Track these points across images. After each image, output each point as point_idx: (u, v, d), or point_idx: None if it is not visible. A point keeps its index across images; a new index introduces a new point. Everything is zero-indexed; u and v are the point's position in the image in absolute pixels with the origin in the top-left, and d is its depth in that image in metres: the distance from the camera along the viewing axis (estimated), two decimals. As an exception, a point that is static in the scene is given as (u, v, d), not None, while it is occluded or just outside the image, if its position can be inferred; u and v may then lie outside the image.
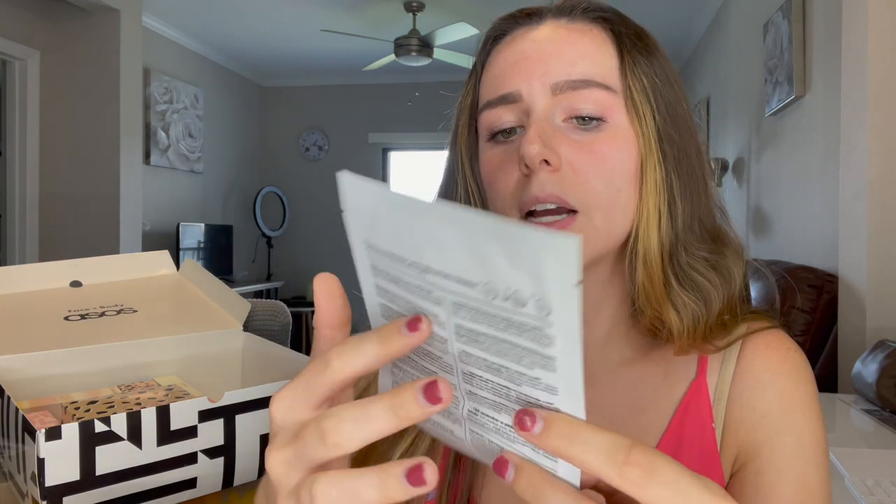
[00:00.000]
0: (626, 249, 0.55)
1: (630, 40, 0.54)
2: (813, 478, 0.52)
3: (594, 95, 0.52)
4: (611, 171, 0.51)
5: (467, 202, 0.56)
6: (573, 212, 0.51)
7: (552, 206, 0.50)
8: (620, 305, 0.57)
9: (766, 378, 0.54)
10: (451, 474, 0.57)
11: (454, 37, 4.23)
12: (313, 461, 0.29)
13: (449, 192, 0.58)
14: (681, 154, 0.55)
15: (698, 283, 0.53)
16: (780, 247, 2.96)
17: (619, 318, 0.58)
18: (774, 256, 2.95)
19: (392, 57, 4.55)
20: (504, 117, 0.54)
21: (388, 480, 0.28)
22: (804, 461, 0.52)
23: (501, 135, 0.55)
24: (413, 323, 0.29)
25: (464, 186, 0.57)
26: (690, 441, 0.54)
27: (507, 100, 0.54)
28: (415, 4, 4.41)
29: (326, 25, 4.70)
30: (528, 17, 0.57)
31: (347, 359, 0.30)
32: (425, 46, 4.40)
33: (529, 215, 0.52)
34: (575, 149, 0.51)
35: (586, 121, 0.52)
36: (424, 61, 4.54)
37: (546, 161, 0.50)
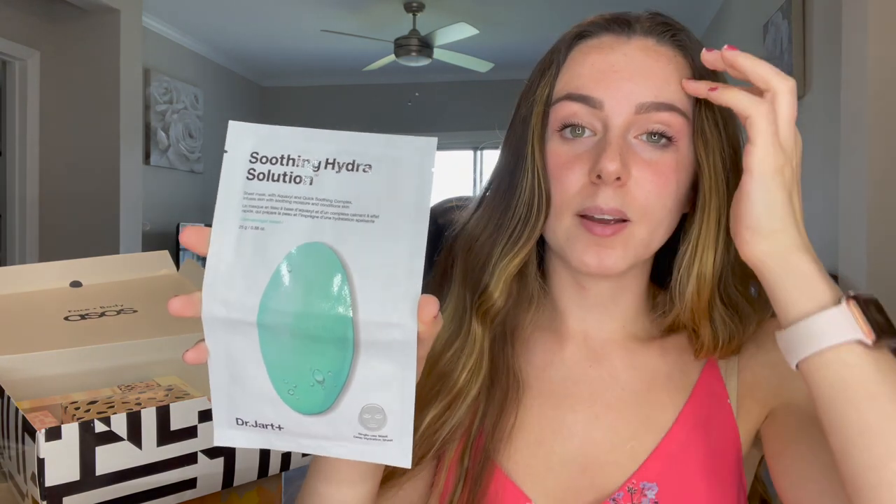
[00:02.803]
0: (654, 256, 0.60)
1: (707, 73, 0.57)
2: None
3: (673, 120, 0.55)
4: (669, 193, 0.56)
5: (534, 187, 0.58)
6: (626, 220, 0.55)
7: (610, 218, 0.55)
8: (639, 295, 0.63)
9: (769, 341, 0.57)
10: (473, 438, 0.60)
11: (454, 37, 4.24)
12: None
13: (515, 175, 0.60)
14: (737, 181, 0.58)
15: (740, 305, 0.58)
16: (780, 247, 2.95)
17: (638, 310, 0.63)
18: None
19: (392, 57, 4.55)
20: (579, 115, 0.57)
21: None
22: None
23: (570, 131, 0.57)
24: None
25: (532, 172, 0.58)
26: (708, 416, 0.59)
27: (588, 102, 0.56)
28: (415, 4, 4.41)
29: (326, 25, 4.70)
30: (618, 24, 0.59)
31: None
32: (425, 46, 4.41)
33: (588, 220, 0.55)
34: (643, 168, 0.55)
35: (658, 138, 0.55)
36: (424, 61, 4.54)
37: (618, 177, 0.54)
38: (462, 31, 4.13)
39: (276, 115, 6.47)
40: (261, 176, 0.39)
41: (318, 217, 0.38)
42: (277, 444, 0.42)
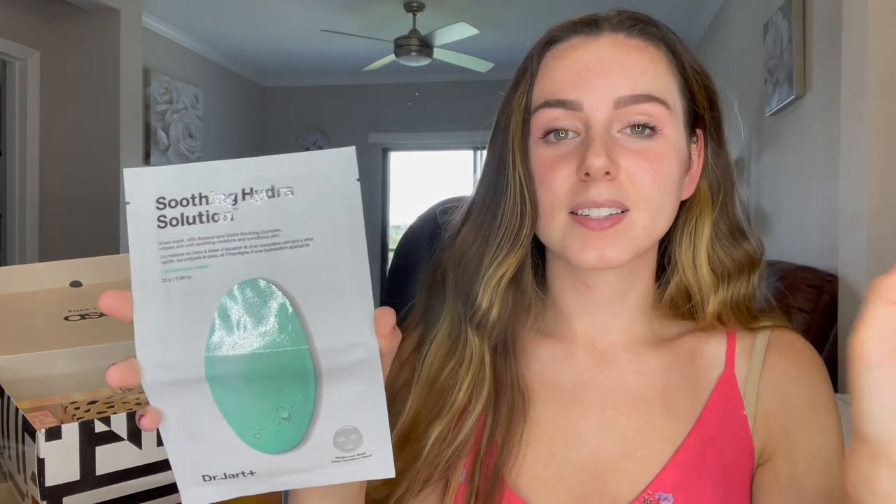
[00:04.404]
0: (661, 247, 0.62)
1: (685, 66, 0.59)
2: (835, 466, 0.56)
3: (652, 109, 0.55)
4: (664, 178, 0.56)
5: (521, 196, 0.58)
6: (626, 210, 0.55)
7: (606, 212, 0.54)
8: (645, 293, 0.62)
9: (794, 374, 0.59)
10: (483, 454, 0.59)
11: (454, 37, 4.23)
12: None
13: (498, 185, 0.60)
14: (723, 165, 0.62)
15: (735, 256, 0.61)
16: (781, 247, 2.96)
17: (645, 310, 0.62)
18: (774, 256, 2.95)
19: (392, 57, 4.54)
20: (560, 120, 0.57)
21: None
22: (829, 451, 0.57)
23: (554, 135, 0.57)
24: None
25: (515, 181, 0.59)
26: (723, 427, 0.58)
27: (566, 105, 0.56)
28: (415, 4, 4.40)
29: (326, 25, 4.70)
30: (586, 25, 0.59)
31: None
32: (425, 46, 4.40)
33: (583, 216, 0.55)
34: (631, 157, 0.55)
35: (641, 130, 0.55)
36: (424, 61, 4.53)
37: (607, 171, 0.53)
38: (462, 31, 4.12)
39: (276, 115, 6.47)
40: (174, 221, 0.35)
41: (248, 252, 0.36)
42: (253, 489, 0.40)
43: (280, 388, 0.37)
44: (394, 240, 6.37)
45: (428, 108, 6.14)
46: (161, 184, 0.36)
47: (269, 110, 6.49)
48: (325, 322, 0.36)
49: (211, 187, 0.36)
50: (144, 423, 0.38)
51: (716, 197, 0.61)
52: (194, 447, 0.38)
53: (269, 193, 0.36)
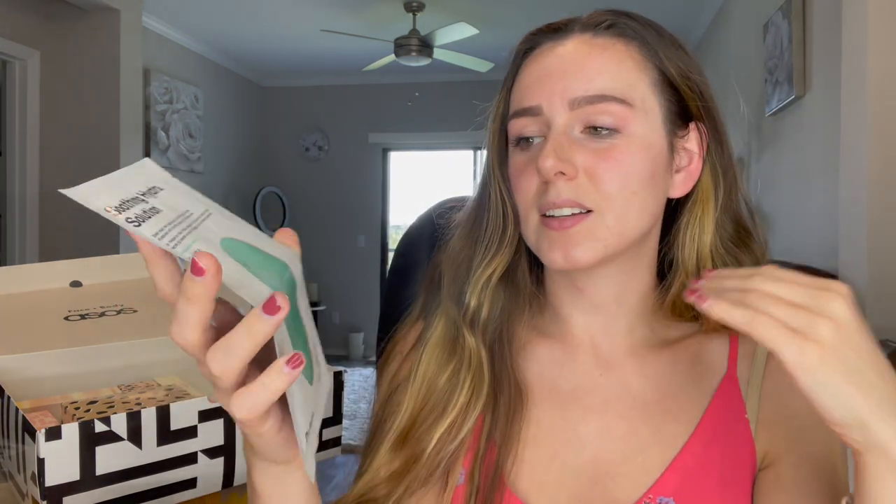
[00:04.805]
0: (648, 245, 0.60)
1: (669, 53, 0.58)
2: (840, 469, 0.56)
3: (610, 109, 0.55)
4: (626, 175, 0.55)
5: (500, 200, 0.61)
6: (589, 211, 0.55)
7: (568, 212, 0.55)
8: (644, 296, 0.62)
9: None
10: (483, 452, 0.59)
11: (454, 37, 4.23)
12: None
13: (485, 190, 0.63)
14: (724, 160, 0.60)
15: (739, 256, 0.60)
16: (780, 247, 2.96)
17: (645, 313, 0.62)
18: (774, 256, 2.93)
19: (392, 57, 4.55)
20: (528, 127, 0.58)
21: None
22: (832, 456, 0.56)
23: (524, 142, 0.59)
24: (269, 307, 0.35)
25: (495, 186, 0.62)
26: (725, 430, 0.57)
27: (529, 112, 0.57)
28: (415, 4, 4.40)
29: (326, 25, 4.70)
30: (556, 31, 0.60)
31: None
32: (425, 46, 4.40)
33: (548, 217, 0.56)
34: (591, 156, 0.55)
35: (601, 132, 0.55)
36: (424, 61, 4.53)
37: (562, 172, 0.54)
38: (462, 31, 4.12)
39: (276, 115, 6.47)
40: (138, 219, 0.36)
41: (197, 226, 0.38)
42: (315, 437, 0.42)
43: (295, 312, 0.40)
44: (394, 240, 6.37)
45: (428, 108, 6.14)
46: (95, 197, 0.36)
47: (269, 110, 6.49)
48: (271, 248, 0.40)
49: (129, 191, 0.38)
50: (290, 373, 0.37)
51: (717, 192, 0.60)
52: (306, 399, 0.40)
53: (156, 190, 0.39)
